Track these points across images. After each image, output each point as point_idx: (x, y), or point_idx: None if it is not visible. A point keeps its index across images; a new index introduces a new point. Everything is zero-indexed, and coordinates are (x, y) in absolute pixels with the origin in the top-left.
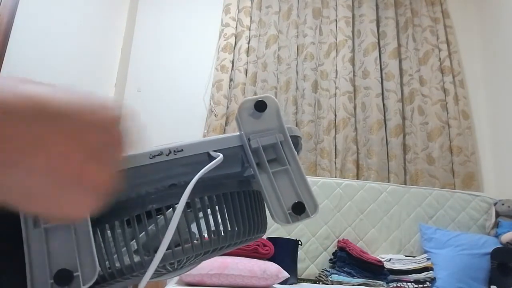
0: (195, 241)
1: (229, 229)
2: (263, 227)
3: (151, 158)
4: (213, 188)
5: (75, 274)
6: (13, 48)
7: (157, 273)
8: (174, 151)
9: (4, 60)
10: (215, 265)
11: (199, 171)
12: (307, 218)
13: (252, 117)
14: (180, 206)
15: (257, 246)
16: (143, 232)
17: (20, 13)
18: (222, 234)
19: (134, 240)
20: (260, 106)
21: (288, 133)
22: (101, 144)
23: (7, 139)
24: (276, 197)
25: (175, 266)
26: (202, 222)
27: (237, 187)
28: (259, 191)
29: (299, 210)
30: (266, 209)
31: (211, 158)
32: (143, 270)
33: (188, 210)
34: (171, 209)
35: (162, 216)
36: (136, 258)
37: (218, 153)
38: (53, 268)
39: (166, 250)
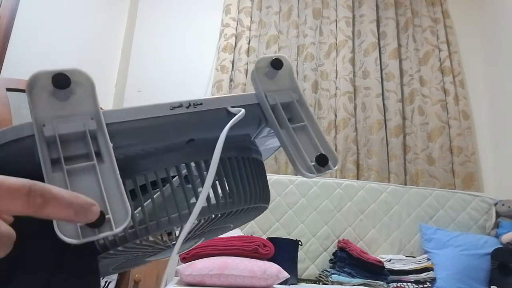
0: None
1: (237, 193)
2: (266, 196)
3: (171, 109)
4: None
5: (106, 216)
6: (13, 48)
7: (155, 248)
8: (194, 104)
9: (4, 60)
10: (215, 265)
11: (216, 128)
12: (330, 171)
13: (266, 77)
14: (215, 160)
15: (257, 247)
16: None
17: (20, 14)
18: (234, 197)
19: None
20: (276, 64)
21: (302, 92)
22: None
23: None
24: (298, 151)
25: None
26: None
27: (240, 153)
28: (258, 159)
29: (322, 162)
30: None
31: (230, 115)
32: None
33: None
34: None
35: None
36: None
37: (238, 108)
38: None
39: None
